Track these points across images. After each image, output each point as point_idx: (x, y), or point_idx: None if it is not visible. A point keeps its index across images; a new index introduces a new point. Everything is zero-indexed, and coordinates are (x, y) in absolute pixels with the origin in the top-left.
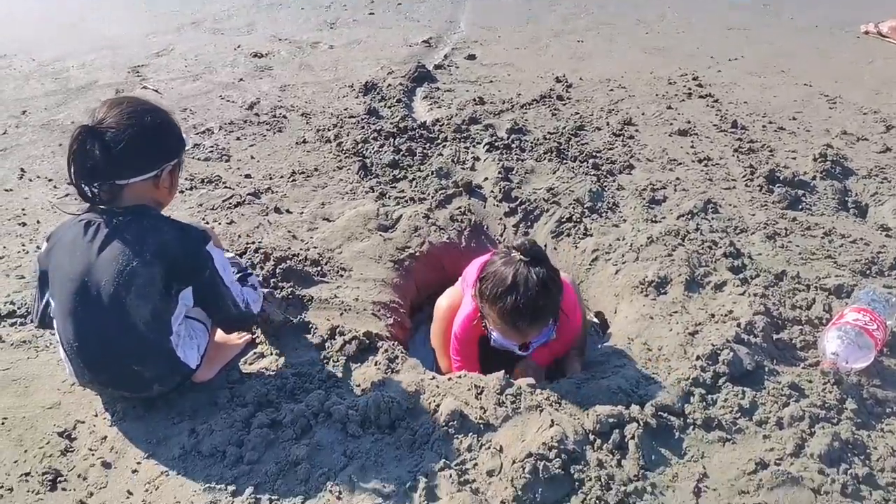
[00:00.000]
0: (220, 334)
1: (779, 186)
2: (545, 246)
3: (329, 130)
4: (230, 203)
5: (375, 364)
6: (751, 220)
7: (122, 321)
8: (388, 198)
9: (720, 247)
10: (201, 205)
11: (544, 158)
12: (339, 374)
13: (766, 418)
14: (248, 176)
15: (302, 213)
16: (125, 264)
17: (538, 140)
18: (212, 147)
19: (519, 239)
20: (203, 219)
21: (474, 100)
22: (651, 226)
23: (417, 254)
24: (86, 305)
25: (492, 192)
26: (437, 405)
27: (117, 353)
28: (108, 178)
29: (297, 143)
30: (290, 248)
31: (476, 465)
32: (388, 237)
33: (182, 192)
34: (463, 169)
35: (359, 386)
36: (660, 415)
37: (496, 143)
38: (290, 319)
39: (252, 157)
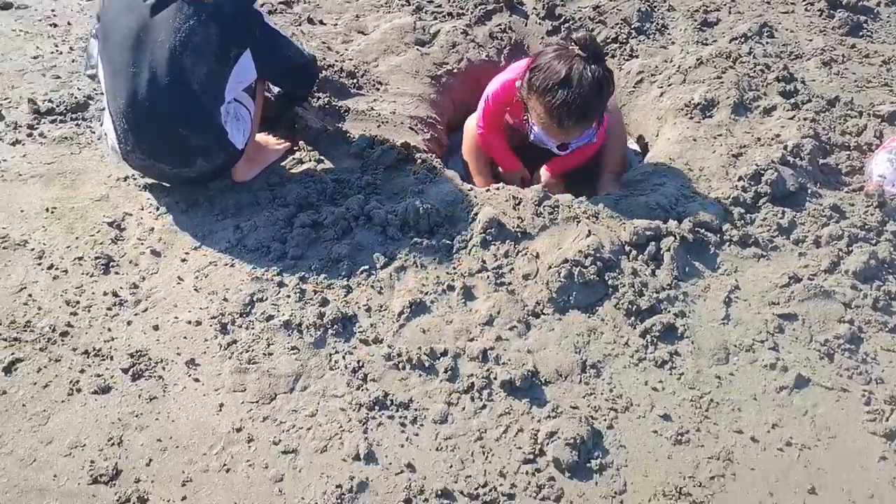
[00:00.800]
0: (260, 136)
1: (840, 12)
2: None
3: None
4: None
5: (414, 174)
6: (807, 46)
7: (177, 78)
8: (425, 12)
9: (773, 71)
10: None
11: None
12: (378, 182)
13: (804, 237)
14: None
15: (336, 24)
16: (182, 22)
17: None
18: None
19: (581, 31)
20: None
21: None
22: (701, 48)
23: (455, 70)
24: (139, 62)
25: (534, 9)
26: (475, 214)
27: (167, 114)
28: None
29: None
30: (325, 59)
31: (512, 269)
32: (426, 52)
33: None
34: None
35: (396, 194)
36: (697, 230)
37: None
38: (328, 127)
39: None
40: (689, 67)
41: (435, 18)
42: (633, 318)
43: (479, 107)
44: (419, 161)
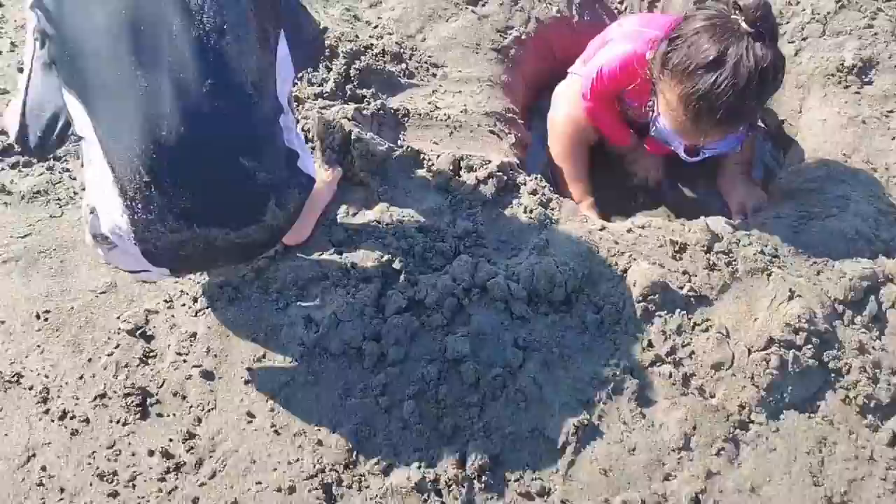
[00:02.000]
0: None
1: None
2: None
3: None
4: None
5: (525, 211)
6: None
7: (222, 79)
8: None
9: None
10: None
11: None
12: (480, 228)
13: None
14: None
15: None
16: None
17: None
18: None
19: None
20: None
21: None
22: None
23: (524, 37)
24: (151, 70)
25: None
26: (624, 270)
27: (219, 140)
28: None
29: None
30: (357, 36)
31: (693, 354)
32: (482, 13)
33: None
34: None
35: (505, 242)
36: None
37: None
38: (394, 148)
39: None
40: (829, 13)
41: None
42: (871, 417)
43: (576, 81)
44: (530, 192)
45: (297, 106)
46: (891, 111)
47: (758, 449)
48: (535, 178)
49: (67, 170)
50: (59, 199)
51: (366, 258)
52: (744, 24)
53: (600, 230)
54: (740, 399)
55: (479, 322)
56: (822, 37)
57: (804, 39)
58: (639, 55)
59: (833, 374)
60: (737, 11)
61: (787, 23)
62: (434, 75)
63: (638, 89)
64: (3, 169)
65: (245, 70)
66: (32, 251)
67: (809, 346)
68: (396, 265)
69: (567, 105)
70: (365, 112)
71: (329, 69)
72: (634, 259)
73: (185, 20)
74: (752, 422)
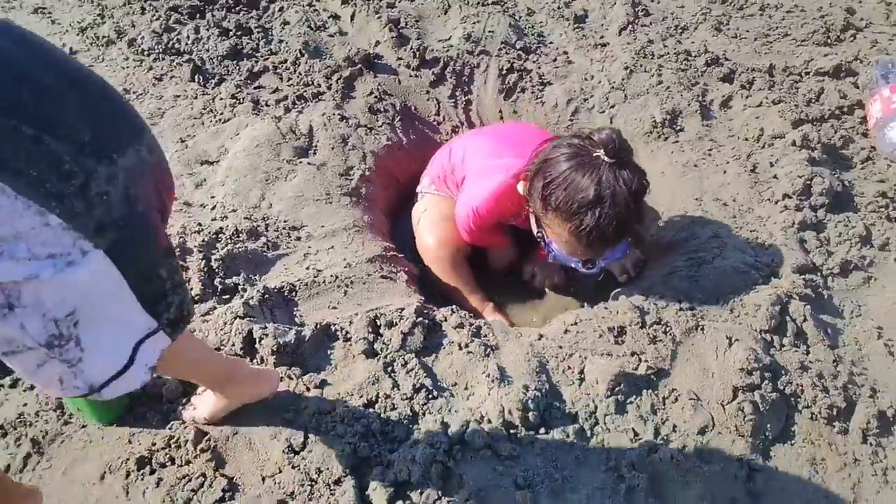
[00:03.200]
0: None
1: None
2: (499, 112)
3: (95, 26)
4: None
5: (461, 347)
6: (683, 14)
7: None
8: (265, 104)
9: (695, 56)
10: None
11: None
12: (425, 380)
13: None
14: None
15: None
16: None
17: None
18: None
19: (604, 131)
20: None
21: None
22: (601, 51)
23: (367, 173)
24: None
25: (399, 59)
26: (580, 371)
27: None
28: None
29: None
30: (199, 225)
31: (676, 427)
32: (318, 162)
33: None
34: (330, 36)
35: (462, 386)
36: (805, 278)
37: None
38: (300, 330)
39: None
40: (622, 80)
41: (287, 110)
42: (838, 423)
43: (430, 201)
44: (455, 327)
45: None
46: (710, 150)
47: (773, 493)
48: (451, 310)
49: None
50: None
51: (325, 457)
52: (605, 157)
53: (539, 339)
54: (735, 454)
55: (473, 479)
56: (626, 101)
57: (612, 107)
58: (509, 186)
59: (793, 399)
60: (595, 147)
61: (592, 97)
62: (298, 238)
63: (517, 216)
64: None
65: None
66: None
67: (766, 381)
68: (362, 452)
69: (433, 229)
70: (251, 302)
71: (185, 269)
72: (585, 357)
73: None
74: (754, 469)
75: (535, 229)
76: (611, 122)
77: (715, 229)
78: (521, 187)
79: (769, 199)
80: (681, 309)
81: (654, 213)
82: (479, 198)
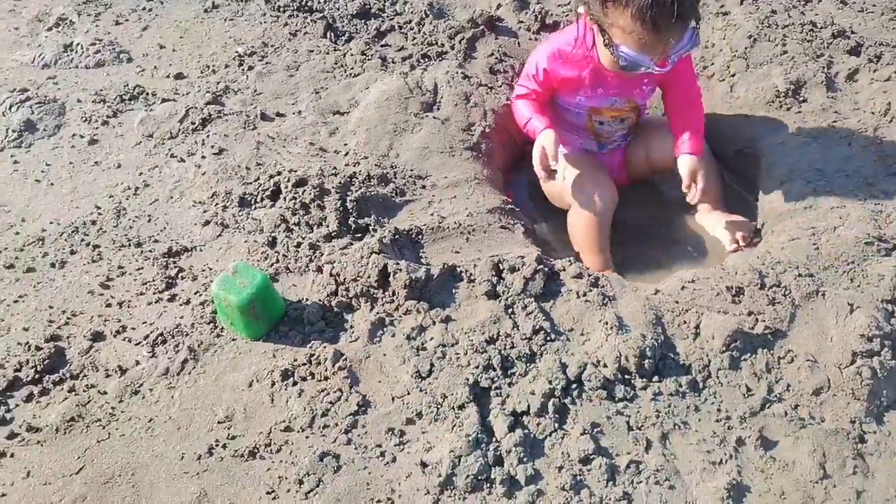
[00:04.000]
0: None
1: None
2: None
3: None
4: (190, 123)
5: (579, 296)
6: None
7: None
8: (392, 62)
9: (821, 28)
10: (150, 135)
11: None
12: (544, 323)
13: None
14: (179, 75)
15: (301, 112)
16: None
17: None
18: (92, 44)
19: None
20: (170, 155)
21: None
22: (723, 19)
23: (488, 130)
24: None
25: (520, 23)
26: (696, 326)
27: None
28: None
29: (204, 10)
30: (335, 168)
31: (790, 386)
32: (443, 117)
33: (105, 123)
34: None
35: (578, 332)
36: None
37: None
38: (430, 269)
39: (160, 46)
40: (746, 48)
41: (412, 67)
42: None
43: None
44: (574, 277)
45: (313, 254)
46: (834, 122)
47: (883, 457)
48: (568, 261)
49: (93, 385)
50: (97, 420)
51: (451, 384)
52: None
53: (655, 294)
54: (849, 415)
55: (589, 416)
56: (748, 70)
57: (733, 76)
58: (566, 43)
59: None
60: None
61: (712, 64)
62: (423, 187)
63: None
64: (17, 405)
65: None
66: (95, 486)
67: (886, 349)
68: (483, 383)
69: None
70: (384, 240)
71: (322, 207)
72: (701, 313)
73: None
74: (866, 432)
75: (601, 51)
76: (731, 90)
77: (838, 202)
78: (580, 7)
79: (894, 175)
80: (800, 275)
81: (775, 176)
82: (543, 54)
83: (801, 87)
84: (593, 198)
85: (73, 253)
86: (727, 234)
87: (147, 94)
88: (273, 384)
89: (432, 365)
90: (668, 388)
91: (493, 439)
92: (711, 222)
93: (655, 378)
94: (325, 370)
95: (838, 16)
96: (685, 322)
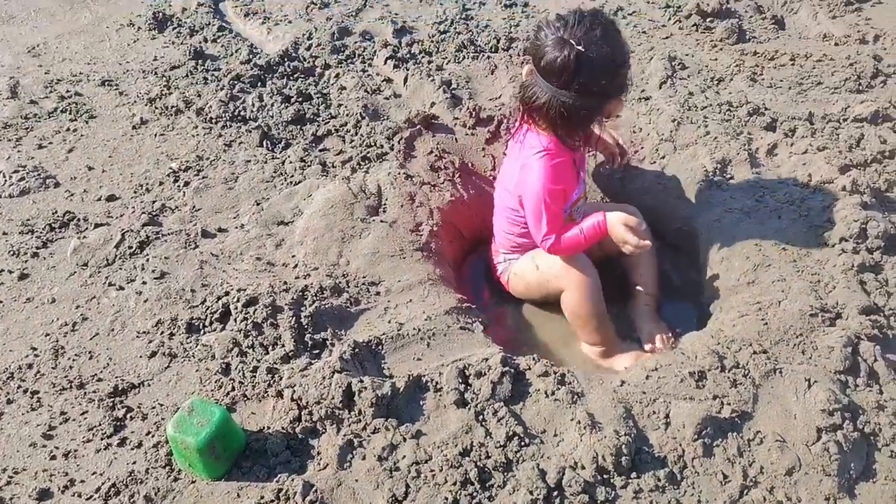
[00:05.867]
0: None
1: (712, 21)
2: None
3: (162, 97)
4: (127, 247)
5: (548, 395)
6: (717, 66)
7: None
8: (332, 166)
9: (736, 107)
10: (85, 264)
11: (463, 54)
12: (517, 428)
13: None
14: (111, 197)
15: (243, 226)
16: None
17: (437, 35)
18: (15, 171)
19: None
20: (108, 284)
21: (314, 3)
22: (644, 105)
23: (436, 228)
24: None
25: (455, 119)
26: (665, 415)
27: None
28: None
29: (133, 127)
30: (285, 283)
31: (763, 468)
32: (389, 219)
33: (35, 255)
34: (386, 99)
35: (550, 433)
36: (871, 318)
37: (397, 54)
38: (394, 382)
39: (89, 168)
40: (671, 132)
41: (353, 171)
42: None
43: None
44: (540, 375)
45: (272, 378)
46: (762, 196)
47: None
48: (533, 359)
49: None
50: None
51: None
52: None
53: (621, 385)
54: (823, 493)
55: None
56: (675, 152)
57: (662, 157)
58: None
59: (872, 438)
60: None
61: (642, 148)
62: (378, 293)
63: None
64: None
65: None
66: None
67: (847, 421)
68: (463, 501)
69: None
70: (345, 356)
71: (275, 326)
72: (669, 402)
73: None
74: None
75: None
76: (663, 172)
77: (779, 274)
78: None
79: (826, 244)
80: (755, 352)
81: (707, 255)
82: (539, 184)
83: (727, 164)
84: (586, 271)
85: (9, 402)
86: (647, 337)
87: (78, 219)
88: None
89: (408, 486)
90: (648, 483)
91: None
92: (638, 321)
93: (633, 474)
94: None
95: (750, 93)
96: (654, 412)
